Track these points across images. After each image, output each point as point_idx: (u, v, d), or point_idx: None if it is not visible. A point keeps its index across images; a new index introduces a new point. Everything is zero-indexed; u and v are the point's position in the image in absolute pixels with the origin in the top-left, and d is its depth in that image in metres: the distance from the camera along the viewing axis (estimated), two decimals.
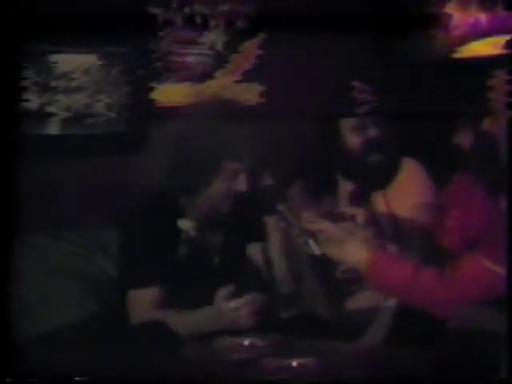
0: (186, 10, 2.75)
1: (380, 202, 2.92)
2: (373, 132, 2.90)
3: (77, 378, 2.02)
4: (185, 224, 2.52)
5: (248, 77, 2.93)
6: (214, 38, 2.88)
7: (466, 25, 2.74)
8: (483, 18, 2.72)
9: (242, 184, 2.45)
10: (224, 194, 2.46)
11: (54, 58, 2.93)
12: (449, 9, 2.75)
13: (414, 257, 2.41)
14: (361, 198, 2.92)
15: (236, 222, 2.60)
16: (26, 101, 2.84)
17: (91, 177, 3.00)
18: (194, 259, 2.51)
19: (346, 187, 2.99)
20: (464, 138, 2.35)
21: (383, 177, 2.94)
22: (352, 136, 2.90)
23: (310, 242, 2.29)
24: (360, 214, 2.51)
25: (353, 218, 2.48)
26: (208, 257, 2.58)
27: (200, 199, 2.50)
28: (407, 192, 2.89)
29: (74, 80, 2.95)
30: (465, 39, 2.76)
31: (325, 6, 2.94)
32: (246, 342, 2.07)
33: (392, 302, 2.53)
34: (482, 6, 2.67)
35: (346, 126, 2.90)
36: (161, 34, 2.84)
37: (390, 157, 2.93)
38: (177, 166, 2.49)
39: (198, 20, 2.80)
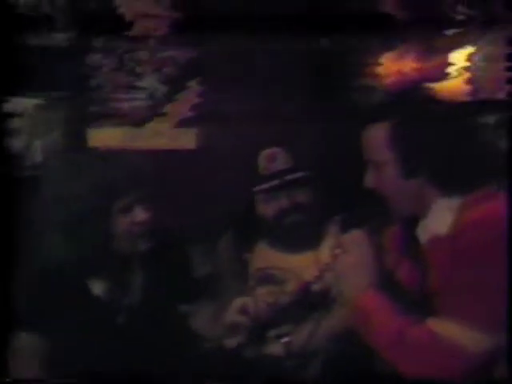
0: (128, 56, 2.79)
1: None
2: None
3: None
4: (96, 286, 2.39)
5: (185, 123, 2.96)
6: (153, 84, 2.92)
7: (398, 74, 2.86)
8: (414, 68, 2.85)
9: (140, 214, 2.32)
10: (127, 229, 2.32)
11: None
12: (385, 59, 2.85)
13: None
14: None
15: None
16: None
17: None
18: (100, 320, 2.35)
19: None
20: None
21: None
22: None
23: None
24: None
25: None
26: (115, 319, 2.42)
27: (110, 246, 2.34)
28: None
29: (12, 122, 2.93)
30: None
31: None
32: None
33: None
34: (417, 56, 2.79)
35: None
36: (99, 78, 2.87)
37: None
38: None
39: (137, 67, 2.84)
